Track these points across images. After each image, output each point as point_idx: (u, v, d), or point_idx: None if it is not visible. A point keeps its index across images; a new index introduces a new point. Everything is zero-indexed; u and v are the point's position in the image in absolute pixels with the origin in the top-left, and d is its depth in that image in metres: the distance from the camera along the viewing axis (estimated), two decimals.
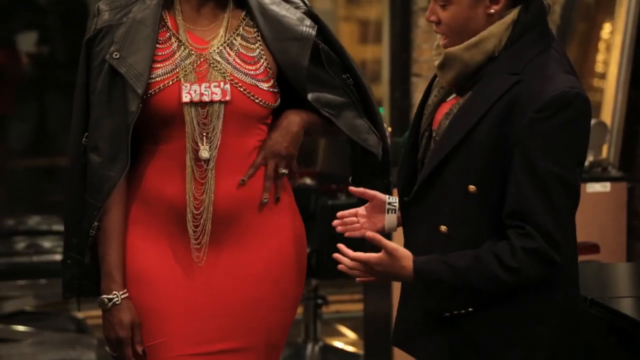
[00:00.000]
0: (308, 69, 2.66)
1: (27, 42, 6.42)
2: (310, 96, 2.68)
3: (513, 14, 2.36)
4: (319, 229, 4.55)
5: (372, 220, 2.64)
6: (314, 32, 2.68)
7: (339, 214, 2.67)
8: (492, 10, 2.35)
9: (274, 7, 2.70)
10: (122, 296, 2.62)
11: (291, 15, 2.70)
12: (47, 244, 6.08)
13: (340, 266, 2.39)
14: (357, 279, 2.40)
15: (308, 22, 2.70)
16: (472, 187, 2.32)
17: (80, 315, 5.70)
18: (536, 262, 2.28)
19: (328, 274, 4.67)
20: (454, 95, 2.43)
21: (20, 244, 6.12)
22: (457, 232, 2.34)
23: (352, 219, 2.65)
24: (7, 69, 6.13)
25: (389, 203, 2.62)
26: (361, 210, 2.65)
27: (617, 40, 4.55)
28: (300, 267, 2.74)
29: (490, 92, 2.32)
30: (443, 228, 2.35)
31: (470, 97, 2.36)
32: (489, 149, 2.31)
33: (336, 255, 2.38)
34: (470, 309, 2.34)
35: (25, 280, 5.96)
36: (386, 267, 2.34)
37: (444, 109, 2.44)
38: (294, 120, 2.69)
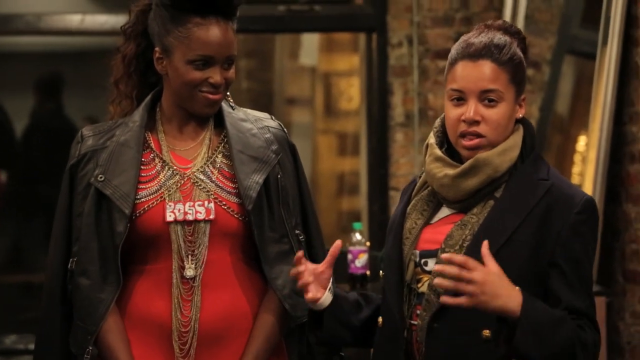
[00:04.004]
0: (260, 191, 2.63)
1: (6, 158, 6.44)
2: (255, 232, 2.63)
3: (521, 130, 2.47)
4: None
5: (314, 285, 2.49)
6: (276, 159, 2.69)
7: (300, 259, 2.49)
8: (520, 115, 2.48)
9: (246, 124, 2.71)
10: None
11: (260, 135, 2.71)
12: None
13: (440, 281, 2.24)
14: (457, 298, 2.24)
15: (275, 147, 2.71)
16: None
17: None
18: (593, 356, 2.36)
19: None
20: (446, 215, 2.47)
21: None
22: (499, 334, 2.33)
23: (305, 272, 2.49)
24: None
25: (330, 286, 2.51)
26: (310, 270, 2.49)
27: (592, 155, 4.58)
28: None
29: (526, 196, 2.40)
30: (486, 332, 2.35)
31: (501, 203, 2.41)
32: (529, 249, 2.37)
33: (445, 259, 2.24)
34: None
35: None
36: (497, 280, 2.26)
37: (432, 229, 2.47)
38: None
